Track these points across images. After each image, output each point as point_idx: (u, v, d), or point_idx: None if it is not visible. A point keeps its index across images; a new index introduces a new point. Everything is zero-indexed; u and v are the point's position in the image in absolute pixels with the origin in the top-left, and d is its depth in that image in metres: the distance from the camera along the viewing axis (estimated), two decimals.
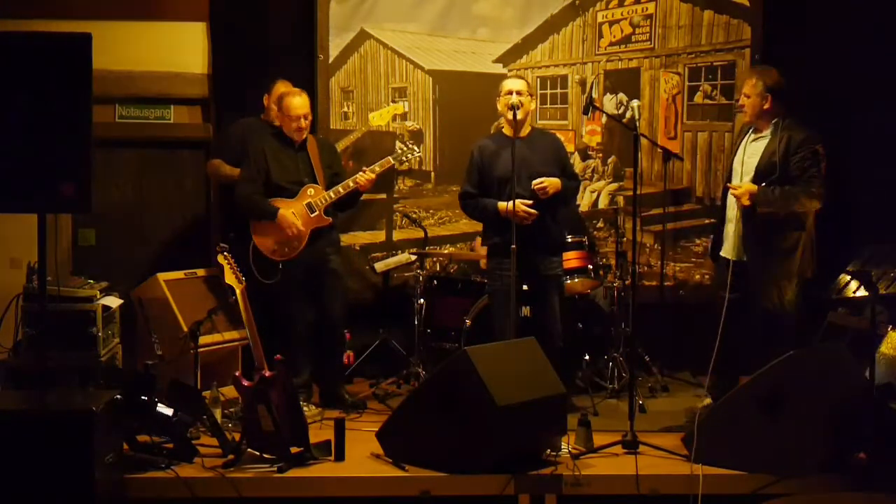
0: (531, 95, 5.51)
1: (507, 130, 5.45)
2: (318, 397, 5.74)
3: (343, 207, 5.88)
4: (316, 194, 5.63)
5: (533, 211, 5.28)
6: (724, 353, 5.20)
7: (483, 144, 5.55)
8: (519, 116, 5.32)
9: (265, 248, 5.61)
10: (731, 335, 5.19)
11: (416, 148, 5.96)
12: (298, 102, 5.59)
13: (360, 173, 5.63)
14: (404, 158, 5.98)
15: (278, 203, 5.58)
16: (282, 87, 5.97)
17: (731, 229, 5.31)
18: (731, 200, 5.30)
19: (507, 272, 5.26)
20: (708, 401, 5.40)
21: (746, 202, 5.14)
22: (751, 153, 5.28)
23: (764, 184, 5.14)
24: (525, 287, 5.47)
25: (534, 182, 5.31)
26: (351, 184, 5.62)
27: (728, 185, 5.31)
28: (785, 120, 5.22)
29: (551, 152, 5.51)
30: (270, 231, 5.59)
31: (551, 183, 5.33)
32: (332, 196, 5.63)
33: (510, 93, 5.37)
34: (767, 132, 5.24)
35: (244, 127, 6.08)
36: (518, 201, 5.25)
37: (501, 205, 5.31)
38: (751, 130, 5.35)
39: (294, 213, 5.56)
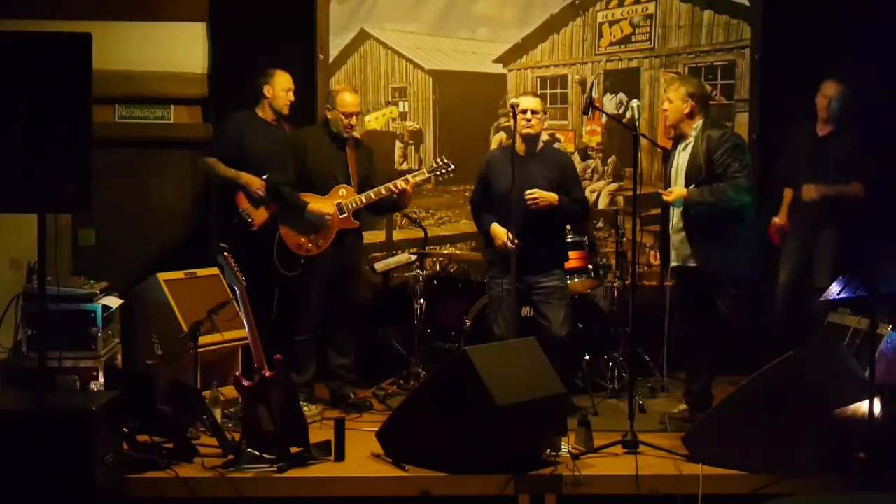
0: (545, 113, 5.56)
1: (518, 146, 5.47)
2: (329, 395, 5.79)
3: (380, 211, 5.98)
4: (348, 195, 5.65)
5: (512, 247, 5.27)
6: (693, 356, 5.39)
7: (491, 157, 5.66)
8: (531, 132, 5.41)
9: (291, 243, 5.66)
10: (695, 338, 5.35)
11: (451, 164, 5.78)
12: (351, 100, 5.64)
13: (395, 182, 5.63)
14: (438, 174, 5.82)
15: (308, 198, 5.61)
16: (280, 77, 6.03)
17: (676, 238, 5.36)
18: (672, 210, 5.37)
19: (501, 279, 5.39)
20: (683, 406, 5.44)
21: (679, 206, 5.25)
22: (682, 161, 5.38)
23: (693, 185, 5.23)
24: (525, 309, 5.63)
25: (526, 193, 5.32)
26: (383, 191, 5.63)
27: (660, 191, 5.39)
28: (705, 122, 5.33)
29: (556, 172, 5.50)
30: (298, 227, 5.63)
31: (543, 196, 5.33)
32: (363, 201, 5.65)
33: (525, 111, 5.39)
34: (691, 138, 5.34)
35: (240, 124, 6.07)
36: (504, 232, 5.32)
37: (494, 228, 5.42)
38: (680, 141, 5.43)
39: (327, 207, 5.61)
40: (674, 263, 5.37)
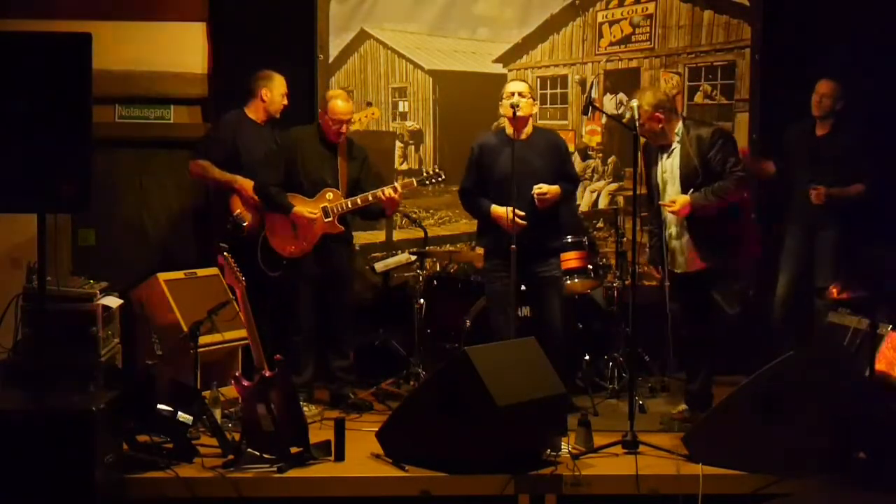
0: (533, 98, 5.51)
1: (509, 130, 5.46)
2: (329, 396, 5.80)
3: (368, 217, 5.99)
4: (334, 199, 5.65)
5: (522, 222, 5.27)
6: (691, 357, 5.40)
7: (483, 142, 5.55)
8: (520, 113, 5.33)
9: (275, 244, 5.67)
10: (693, 340, 5.35)
11: (442, 174, 5.84)
12: (342, 107, 5.62)
13: (383, 189, 5.63)
14: (427, 182, 5.89)
15: (295, 200, 5.61)
16: (278, 80, 6.02)
17: (677, 245, 5.35)
18: (669, 218, 5.34)
19: (501, 273, 5.33)
20: (683, 406, 5.45)
21: (686, 213, 5.21)
22: (669, 168, 5.33)
23: (692, 190, 5.21)
24: (523, 287, 5.51)
25: (535, 188, 5.31)
26: (370, 197, 5.63)
27: (660, 203, 5.33)
28: (686, 124, 5.32)
29: (552, 154, 5.50)
30: (283, 227, 5.64)
31: (552, 192, 5.33)
32: (349, 206, 5.65)
33: (512, 94, 5.38)
34: (675, 144, 5.29)
35: (232, 125, 6.02)
36: (510, 209, 5.24)
37: (494, 209, 5.35)
38: (659, 151, 5.38)
39: (311, 211, 5.61)
40: (678, 270, 5.35)
